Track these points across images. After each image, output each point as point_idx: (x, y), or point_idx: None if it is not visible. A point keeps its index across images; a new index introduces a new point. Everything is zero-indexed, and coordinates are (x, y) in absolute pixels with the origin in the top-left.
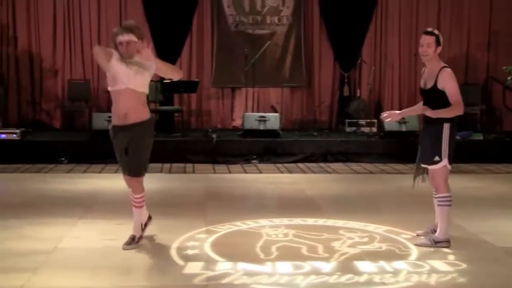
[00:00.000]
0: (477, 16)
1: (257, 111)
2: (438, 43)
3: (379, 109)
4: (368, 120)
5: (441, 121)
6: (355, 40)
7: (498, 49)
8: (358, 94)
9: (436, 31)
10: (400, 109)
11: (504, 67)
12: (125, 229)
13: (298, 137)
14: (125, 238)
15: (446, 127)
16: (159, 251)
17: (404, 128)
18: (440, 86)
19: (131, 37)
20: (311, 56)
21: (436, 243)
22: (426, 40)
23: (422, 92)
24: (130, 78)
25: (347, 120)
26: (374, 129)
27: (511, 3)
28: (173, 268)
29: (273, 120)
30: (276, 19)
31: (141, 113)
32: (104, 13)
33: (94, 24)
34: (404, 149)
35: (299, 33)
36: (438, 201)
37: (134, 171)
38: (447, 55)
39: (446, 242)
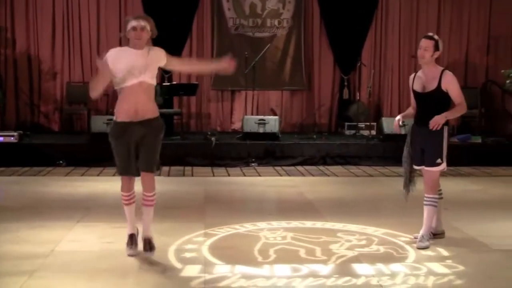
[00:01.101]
0: (477, 20)
1: (257, 114)
2: (436, 48)
3: (378, 112)
4: (368, 123)
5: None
6: (355, 43)
7: (497, 53)
8: (358, 97)
9: (436, 36)
10: (400, 112)
11: (503, 71)
12: (123, 232)
13: (297, 140)
14: (123, 241)
15: (446, 129)
16: (157, 254)
17: (403, 131)
18: (444, 87)
19: (147, 25)
20: (311, 59)
21: (428, 239)
22: (425, 44)
23: (419, 95)
24: (141, 71)
25: (346, 123)
26: (374, 132)
27: (510, 7)
28: (170, 271)
29: (272, 123)
30: (276, 22)
31: (153, 108)
32: (104, 16)
33: (93, 26)
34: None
35: (299, 36)
36: (430, 201)
37: (152, 166)
38: (446, 59)
39: (442, 234)
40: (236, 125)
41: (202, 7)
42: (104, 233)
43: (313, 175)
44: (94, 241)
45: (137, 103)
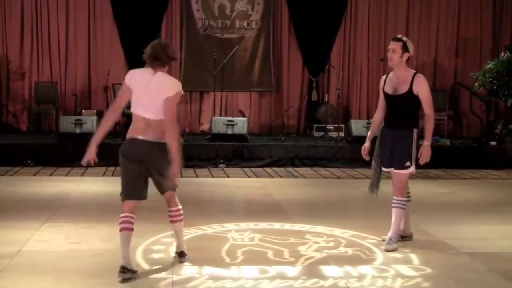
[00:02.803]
0: (446, 23)
1: (225, 115)
2: (405, 49)
3: (347, 114)
4: (336, 125)
5: (411, 127)
6: (323, 45)
7: (466, 56)
8: (326, 99)
9: (404, 38)
10: (368, 114)
11: (471, 73)
12: (91, 233)
13: (266, 141)
14: (91, 241)
15: (415, 132)
16: None
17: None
18: (415, 90)
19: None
20: (280, 61)
21: (396, 242)
22: (393, 46)
23: (390, 97)
24: None
25: (315, 125)
26: (342, 134)
27: (478, 10)
28: (138, 272)
29: (241, 125)
30: (245, 24)
31: None
32: (72, 17)
33: (62, 27)
34: (372, 154)
35: (268, 37)
36: (398, 204)
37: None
38: (415, 61)
39: (410, 237)
40: (205, 126)
41: (171, 8)
42: (71, 234)
43: (281, 177)
44: (61, 241)
45: None
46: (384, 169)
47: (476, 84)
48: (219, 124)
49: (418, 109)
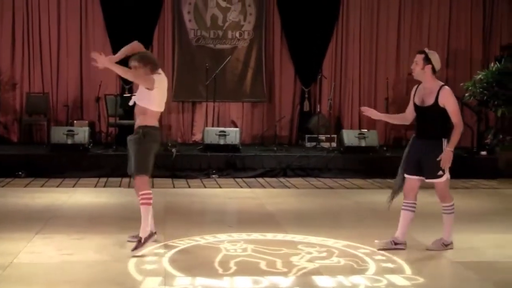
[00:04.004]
0: (436, 34)
1: (218, 126)
2: (427, 61)
3: (339, 125)
4: (328, 136)
5: (440, 137)
6: (315, 55)
7: (456, 66)
8: (318, 109)
9: (427, 50)
10: (360, 124)
11: (461, 84)
12: (83, 244)
13: (258, 152)
14: (83, 252)
15: (445, 142)
16: (117, 265)
17: (363, 144)
18: (441, 103)
19: (136, 63)
20: (272, 71)
21: (446, 246)
22: (415, 58)
23: (418, 108)
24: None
25: (307, 135)
26: (334, 144)
27: (469, 21)
28: (131, 283)
29: (233, 135)
30: (237, 34)
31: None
32: (64, 28)
33: (53, 37)
34: (363, 164)
35: (260, 48)
36: (445, 210)
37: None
38: (406, 71)
39: (451, 244)
40: (197, 137)
41: (163, 18)
42: (63, 245)
43: (273, 187)
44: (53, 253)
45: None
46: (406, 175)
47: (466, 95)
48: (212, 134)
49: (447, 119)
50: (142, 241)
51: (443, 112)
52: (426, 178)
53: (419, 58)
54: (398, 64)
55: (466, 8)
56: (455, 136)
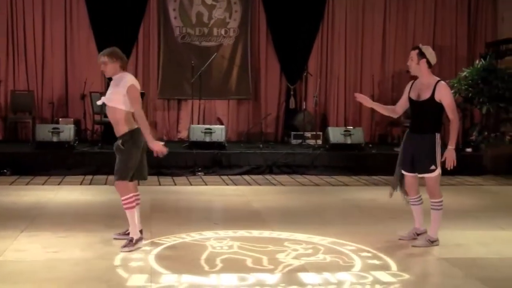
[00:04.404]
0: (422, 32)
1: (203, 123)
2: (421, 55)
3: (324, 122)
4: (314, 133)
5: (433, 131)
6: (301, 53)
7: (441, 63)
8: (304, 107)
9: (421, 45)
10: (345, 122)
11: (447, 81)
12: (69, 242)
13: (244, 149)
14: (69, 250)
15: (438, 137)
16: (103, 263)
17: (349, 141)
18: (437, 98)
19: (106, 59)
20: (258, 69)
21: (432, 242)
22: (410, 54)
23: (414, 103)
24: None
25: (293, 133)
26: (320, 142)
27: (454, 19)
28: (117, 281)
29: (219, 132)
30: (223, 31)
31: (120, 128)
32: (49, 25)
33: (38, 34)
34: (349, 162)
35: (245, 45)
36: (433, 205)
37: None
38: (392, 68)
39: (437, 241)
40: (183, 134)
41: (149, 16)
42: (49, 243)
43: (259, 184)
44: (39, 251)
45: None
46: (403, 171)
47: (452, 91)
48: (197, 132)
49: (441, 115)
50: (134, 241)
51: (438, 107)
52: (419, 173)
53: (414, 53)
54: (384, 62)
55: (451, 6)
56: (454, 133)
